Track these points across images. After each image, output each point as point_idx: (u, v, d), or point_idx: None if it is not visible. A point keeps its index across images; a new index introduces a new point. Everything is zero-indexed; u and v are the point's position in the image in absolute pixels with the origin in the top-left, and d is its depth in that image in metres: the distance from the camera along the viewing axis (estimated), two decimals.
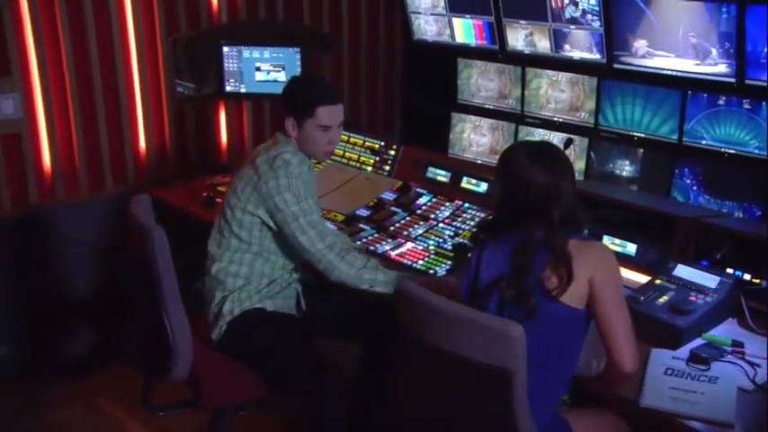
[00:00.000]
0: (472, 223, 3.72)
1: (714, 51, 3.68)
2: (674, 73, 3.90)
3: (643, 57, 4.02)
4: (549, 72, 4.62)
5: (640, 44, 4.00)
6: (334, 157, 4.53)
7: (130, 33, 4.49)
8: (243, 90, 4.67)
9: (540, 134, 4.74)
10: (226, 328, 3.03)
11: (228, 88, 4.65)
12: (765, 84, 3.50)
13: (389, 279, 2.97)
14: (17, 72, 4.13)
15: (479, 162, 4.76)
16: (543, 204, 2.31)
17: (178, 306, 2.75)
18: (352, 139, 4.58)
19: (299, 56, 4.59)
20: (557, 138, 4.56)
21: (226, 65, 4.60)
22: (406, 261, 3.50)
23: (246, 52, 4.60)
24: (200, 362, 2.91)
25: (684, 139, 3.98)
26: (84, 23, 4.27)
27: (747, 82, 3.58)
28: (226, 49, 4.57)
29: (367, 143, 4.51)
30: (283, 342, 3.02)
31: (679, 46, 3.83)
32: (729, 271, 2.88)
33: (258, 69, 4.62)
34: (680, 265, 2.94)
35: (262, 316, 3.07)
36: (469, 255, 2.66)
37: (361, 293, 3.04)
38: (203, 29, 4.71)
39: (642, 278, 3.08)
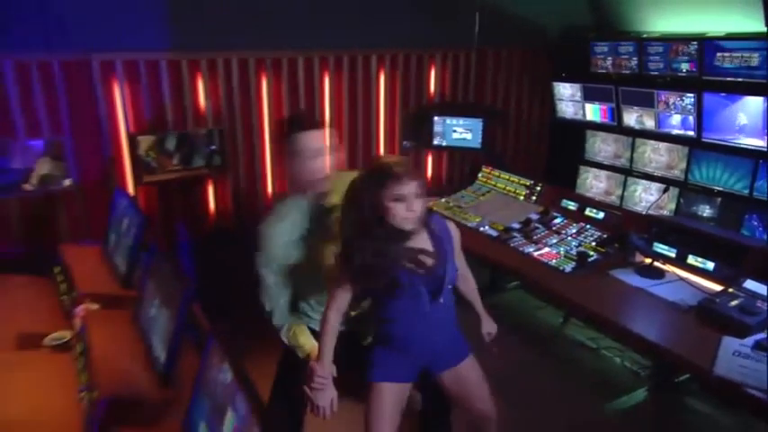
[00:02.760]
0: (591, 239, 3.67)
1: None
2: (748, 147, 3.85)
3: (725, 132, 3.97)
4: (652, 141, 4.60)
5: (724, 124, 3.95)
6: (499, 188, 4.62)
7: (381, 106, 4.79)
8: (444, 144, 4.91)
9: (643, 184, 4.71)
10: None
11: (435, 143, 4.91)
12: None
13: (307, 350, 2.32)
14: (319, 126, 4.58)
15: (597, 199, 4.74)
16: None
17: None
18: (512, 178, 4.58)
19: (481, 124, 4.77)
20: (655, 186, 4.60)
21: (435, 128, 4.85)
22: (543, 260, 3.51)
23: (448, 120, 4.83)
24: None
25: (755, 193, 3.91)
26: (355, 100, 4.63)
27: None
28: (436, 118, 4.84)
29: (521, 181, 4.51)
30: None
31: (750, 129, 3.80)
32: None
33: (454, 131, 4.84)
34: (749, 280, 2.84)
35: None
36: None
37: None
38: (423, 105, 4.92)
39: (718, 287, 2.98)
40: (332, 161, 2.27)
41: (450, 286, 2.21)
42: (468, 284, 2.51)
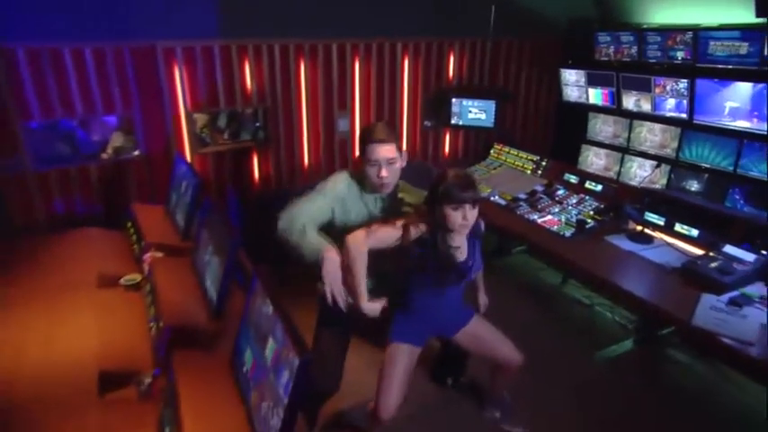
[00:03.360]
0: (590, 208, 3.67)
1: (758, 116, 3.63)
2: (735, 128, 3.82)
3: (715, 115, 3.95)
4: (648, 123, 4.55)
5: (715, 107, 3.93)
6: (509, 163, 4.64)
7: (405, 89, 4.74)
8: (460, 123, 4.88)
9: (638, 161, 4.66)
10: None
11: (452, 122, 4.88)
12: None
13: (316, 246, 2.17)
14: (350, 108, 4.52)
15: (596, 174, 4.65)
16: None
17: None
18: (521, 154, 4.60)
19: (494, 105, 4.73)
20: (649, 163, 4.55)
21: (452, 109, 4.83)
22: (546, 226, 3.52)
23: (464, 102, 4.79)
24: None
25: (738, 170, 3.89)
26: (382, 83, 4.59)
27: None
28: (453, 100, 4.81)
29: (529, 157, 4.54)
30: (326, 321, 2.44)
31: (739, 112, 3.76)
32: (763, 252, 2.81)
33: (470, 112, 4.81)
34: (728, 246, 2.87)
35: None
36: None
37: None
38: (442, 88, 4.87)
39: (700, 252, 3.01)
40: (394, 170, 2.22)
41: (473, 275, 2.30)
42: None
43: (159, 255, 2.61)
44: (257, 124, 4.24)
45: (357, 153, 2.27)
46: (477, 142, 5.17)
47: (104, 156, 3.75)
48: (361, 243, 2.08)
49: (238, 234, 2.15)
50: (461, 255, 2.20)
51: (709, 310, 2.48)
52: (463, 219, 2.06)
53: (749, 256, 2.79)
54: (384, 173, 2.18)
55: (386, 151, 2.17)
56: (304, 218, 2.20)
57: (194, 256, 2.56)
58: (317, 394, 2.46)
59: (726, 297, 2.58)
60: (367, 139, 2.20)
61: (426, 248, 2.12)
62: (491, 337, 2.45)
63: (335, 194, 2.27)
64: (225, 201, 4.12)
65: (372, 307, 2.15)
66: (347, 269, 2.10)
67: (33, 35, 3.31)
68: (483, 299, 2.64)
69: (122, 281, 2.53)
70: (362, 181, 2.28)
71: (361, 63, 4.46)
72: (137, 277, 2.55)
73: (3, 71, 3.29)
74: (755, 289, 2.66)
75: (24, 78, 3.37)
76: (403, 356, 2.32)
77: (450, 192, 2.05)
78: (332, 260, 2.13)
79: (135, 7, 3.54)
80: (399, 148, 2.23)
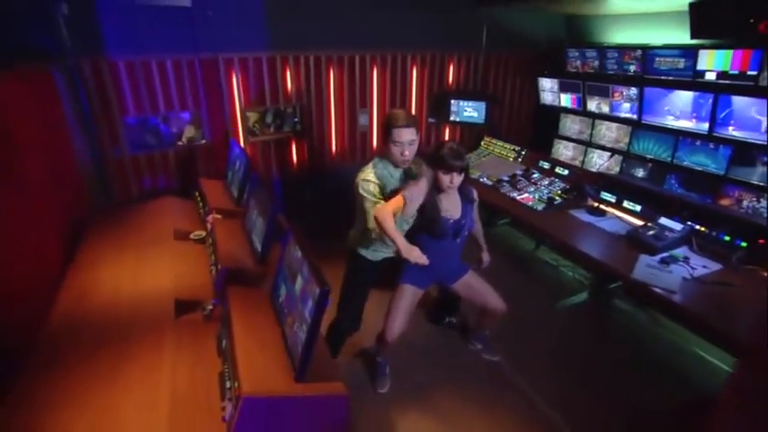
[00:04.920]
0: (558, 188, 3.62)
1: (696, 117, 3.57)
2: (674, 127, 3.75)
3: (658, 116, 3.89)
4: (606, 122, 4.47)
5: (658, 110, 3.86)
6: (495, 152, 4.53)
7: (413, 91, 4.65)
8: (457, 120, 4.77)
9: (598, 153, 4.57)
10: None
11: (451, 119, 4.78)
12: (724, 136, 3.38)
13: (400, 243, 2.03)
14: (369, 106, 4.46)
15: (565, 162, 4.46)
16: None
17: None
18: (505, 145, 4.51)
19: (485, 106, 4.63)
20: (606, 155, 4.46)
21: (451, 108, 4.74)
22: (523, 202, 3.49)
23: (461, 103, 4.70)
24: None
25: (674, 160, 3.84)
26: (395, 87, 4.51)
27: (714, 134, 3.46)
28: (452, 101, 4.71)
29: (512, 147, 4.45)
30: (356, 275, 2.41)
31: (679, 113, 3.69)
32: (689, 223, 2.83)
33: (465, 111, 4.71)
34: (663, 218, 2.90)
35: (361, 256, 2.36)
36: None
37: None
38: (443, 91, 4.78)
39: (641, 222, 3.03)
40: (413, 149, 2.17)
41: (466, 232, 2.31)
42: (478, 228, 2.59)
43: (218, 216, 2.65)
44: (295, 119, 4.22)
45: (379, 138, 2.24)
46: (470, 135, 5.10)
47: (180, 143, 3.78)
48: (384, 210, 2.05)
49: (277, 201, 2.19)
50: (456, 214, 2.21)
51: (646, 267, 2.50)
52: (450, 182, 2.10)
53: (678, 227, 2.81)
54: (407, 152, 2.14)
55: (408, 134, 2.12)
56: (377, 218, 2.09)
57: (244, 218, 2.58)
58: (343, 332, 2.46)
59: (658, 257, 2.62)
60: (392, 124, 2.11)
61: (425, 208, 2.15)
62: (483, 288, 2.46)
63: (374, 183, 2.18)
64: (269, 177, 4.17)
65: (414, 254, 2.01)
66: (383, 231, 2.01)
67: (130, 52, 3.36)
68: (486, 256, 2.63)
69: (192, 235, 2.60)
70: (388, 159, 2.20)
71: (378, 71, 4.41)
72: (202, 233, 2.61)
73: (110, 80, 3.36)
74: (681, 251, 2.71)
75: (124, 85, 3.43)
76: (409, 294, 2.35)
77: (444, 159, 2.08)
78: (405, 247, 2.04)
79: (203, 29, 3.56)
80: (418, 131, 2.18)
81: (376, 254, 2.35)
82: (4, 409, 1.45)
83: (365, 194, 2.15)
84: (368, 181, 2.16)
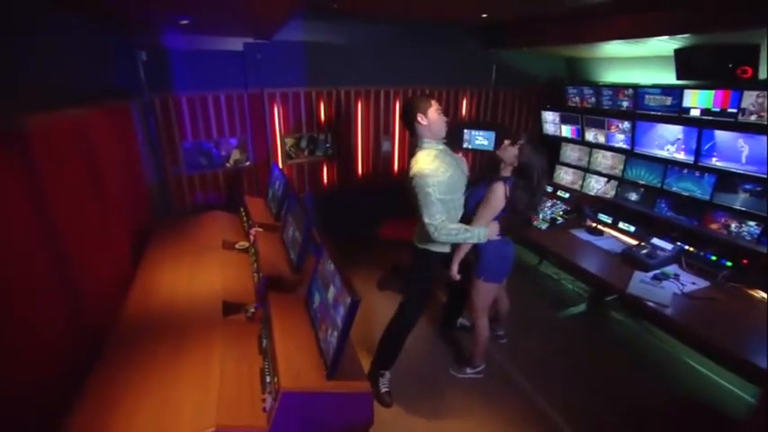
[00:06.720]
0: (560, 209, 3.58)
1: (684, 148, 3.52)
2: (662, 156, 3.67)
3: (649, 147, 3.82)
4: (603, 151, 4.36)
5: (649, 142, 3.80)
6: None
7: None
8: (469, 147, 4.68)
9: (595, 178, 4.46)
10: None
11: (464, 146, 4.68)
12: (708, 165, 3.29)
13: (465, 233, 2.03)
14: (391, 133, 4.49)
15: (566, 186, 4.57)
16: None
17: None
18: None
19: (494, 135, 4.56)
20: (603, 180, 4.35)
21: (464, 136, 4.67)
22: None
23: (473, 132, 4.64)
24: None
25: (664, 186, 3.71)
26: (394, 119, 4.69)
27: (699, 163, 3.38)
28: (465, 130, 4.64)
29: None
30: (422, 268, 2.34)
31: (668, 144, 3.63)
32: (679, 243, 2.80)
33: (477, 139, 4.65)
34: (655, 238, 2.90)
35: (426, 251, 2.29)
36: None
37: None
38: (457, 122, 4.78)
39: (635, 242, 3.02)
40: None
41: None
42: None
43: (260, 230, 2.67)
44: (327, 144, 4.25)
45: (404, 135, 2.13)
46: (481, 161, 5.11)
47: (228, 165, 3.80)
48: (492, 231, 2.10)
49: (311, 218, 2.23)
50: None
51: (639, 283, 2.50)
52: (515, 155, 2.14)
53: (668, 246, 2.83)
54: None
55: (438, 103, 2.13)
56: (437, 219, 2.03)
57: (282, 232, 2.63)
58: (409, 327, 2.42)
59: (651, 274, 2.62)
60: (424, 100, 2.08)
61: (518, 203, 2.13)
62: (504, 290, 2.59)
63: (436, 166, 2.06)
64: (304, 196, 4.21)
65: (455, 274, 2.17)
66: (461, 245, 2.04)
67: (191, 87, 3.48)
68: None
69: (237, 246, 2.62)
70: (432, 136, 2.12)
71: (399, 104, 4.42)
72: (246, 244, 2.64)
73: (174, 111, 3.47)
74: (671, 269, 2.73)
75: (185, 115, 3.52)
76: (495, 290, 2.41)
77: (509, 131, 2.08)
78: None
79: (252, 69, 3.67)
80: None
81: (445, 246, 2.29)
82: (88, 388, 1.52)
83: (429, 190, 2.02)
84: (427, 175, 2.01)
